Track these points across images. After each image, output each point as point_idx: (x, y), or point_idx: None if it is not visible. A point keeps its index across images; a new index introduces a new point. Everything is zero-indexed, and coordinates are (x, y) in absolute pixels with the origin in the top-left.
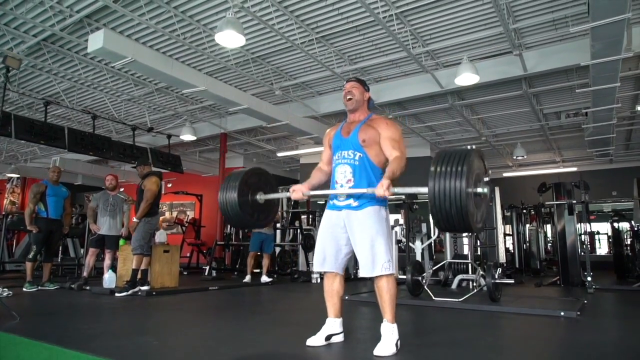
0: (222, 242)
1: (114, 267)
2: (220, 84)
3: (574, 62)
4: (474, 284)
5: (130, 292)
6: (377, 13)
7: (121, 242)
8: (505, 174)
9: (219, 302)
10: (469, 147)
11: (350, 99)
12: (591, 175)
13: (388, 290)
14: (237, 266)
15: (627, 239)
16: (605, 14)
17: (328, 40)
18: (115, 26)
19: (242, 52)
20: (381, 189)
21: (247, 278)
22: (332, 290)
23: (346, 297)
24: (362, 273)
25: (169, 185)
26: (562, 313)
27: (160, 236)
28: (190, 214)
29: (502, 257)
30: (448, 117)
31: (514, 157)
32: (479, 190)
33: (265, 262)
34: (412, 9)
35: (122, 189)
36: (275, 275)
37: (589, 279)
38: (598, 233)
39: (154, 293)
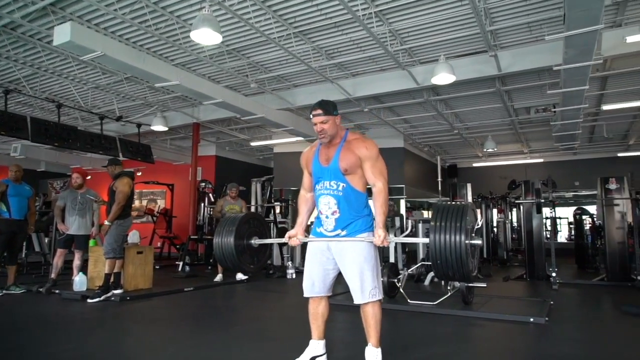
0: (196, 237)
1: (84, 269)
2: (194, 78)
3: (546, 63)
4: (449, 287)
5: (103, 297)
6: (356, 11)
7: (91, 242)
8: (475, 164)
9: (195, 308)
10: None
11: (323, 136)
12: (556, 166)
13: (374, 316)
14: (210, 260)
15: (587, 232)
16: (579, 24)
17: (306, 35)
18: (82, 15)
19: (218, 45)
20: (379, 240)
21: (218, 277)
22: (317, 314)
23: None
24: (355, 300)
25: (139, 173)
26: (532, 319)
27: (133, 237)
28: (161, 203)
29: None
30: (423, 111)
31: (485, 150)
32: (475, 242)
33: None
34: (392, 8)
35: (88, 190)
36: None
37: (554, 274)
38: (559, 218)
39: (128, 298)
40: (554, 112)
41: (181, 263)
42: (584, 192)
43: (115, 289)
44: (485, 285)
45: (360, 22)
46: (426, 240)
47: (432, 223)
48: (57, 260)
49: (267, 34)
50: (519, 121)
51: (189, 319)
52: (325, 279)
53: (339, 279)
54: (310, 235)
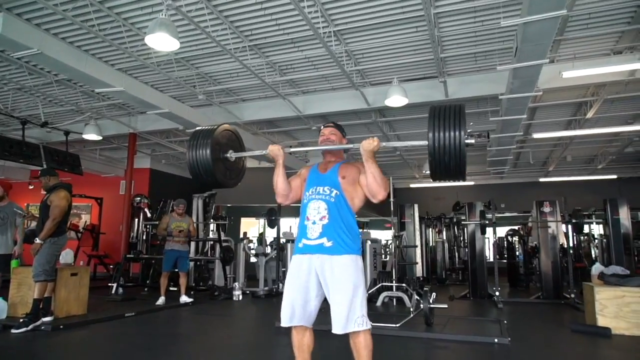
0: (132, 256)
1: (3, 294)
2: (139, 85)
3: (488, 92)
4: (411, 308)
5: (30, 326)
6: (318, 28)
7: (13, 263)
8: (412, 185)
9: (140, 336)
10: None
11: (328, 143)
12: (485, 189)
13: (366, 347)
14: (147, 281)
15: (518, 251)
16: (528, 57)
17: (261, 49)
18: (14, 7)
19: (167, 52)
20: (370, 140)
21: (161, 300)
22: (303, 345)
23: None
24: (334, 329)
25: None
26: (496, 340)
27: (66, 256)
28: (86, 218)
29: (420, 272)
30: (367, 132)
31: (423, 172)
32: (471, 141)
33: (183, 281)
34: (350, 29)
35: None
36: (192, 292)
37: (497, 293)
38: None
39: (61, 327)
40: (489, 140)
41: (115, 285)
42: (514, 214)
43: (45, 316)
44: (447, 307)
45: (321, 40)
46: (421, 142)
47: (430, 121)
48: None
49: (223, 45)
50: None
51: (134, 350)
52: (306, 305)
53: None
54: (293, 255)
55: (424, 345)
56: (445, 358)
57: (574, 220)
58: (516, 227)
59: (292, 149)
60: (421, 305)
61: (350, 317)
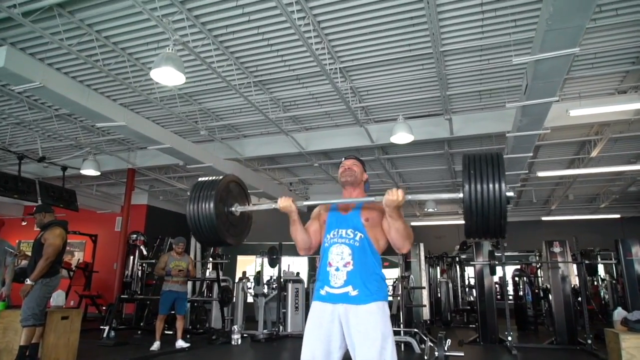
0: (126, 296)
1: None
2: (141, 120)
3: (494, 130)
4: (425, 356)
5: None
6: (325, 65)
7: (0, 305)
8: (413, 223)
9: None
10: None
11: (348, 174)
12: None
13: None
14: (141, 324)
15: (526, 293)
16: (538, 95)
17: (265, 85)
18: (18, 40)
19: (170, 88)
20: (394, 194)
21: (156, 345)
22: None
23: None
24: None
25: None
26: None
27: (58, 298)
28: (79, 256)
29: (427, 314)
30: (369, 169)
31: (425, 209)
32: (511, 194)
33: (180, 324)
34: (356, 66)
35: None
36: (189, 336)
37: (510, 338)
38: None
39: None
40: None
41: (107, 328)
42: (515, 253)
43: None
44: (463, 354)
45: (328, 76)
46: (452, 195)
47: (465, 172)
48: None
49: (228, 80)
50: (457, 183)
51: None
52: (328, 357)
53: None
54: (313, 302)
55: None
56: None
57: (586, 262)
58: (518, 267)
59: (306, 203)
60: (436, 354)
61: None
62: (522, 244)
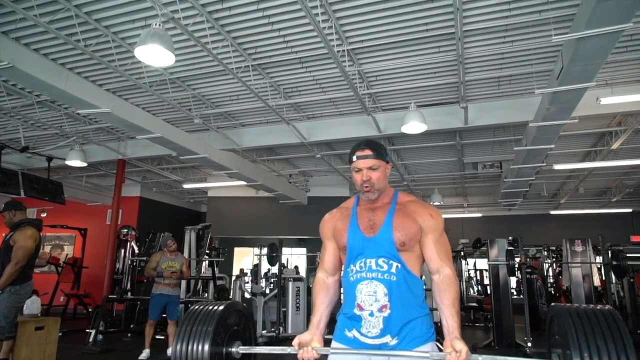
0: (114, 297)
1: None
2: (129, 107)
3: (512, 119)
4: None
5: None
6: (333, 46)
7: None
8: None
9: None
10: (607, 306)
11: (368, 189)
12: (492, 221)
13: None
14: (131, 325)
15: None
16: (574, 80)
17: (265, 69)
18: None
19: (160, 71)
20: (456, 358)
21: (145, 354)
22: None
23: None
24: None
25: (44, 214)
26: None
27: (32, 305)
28: (69, 250)
29: (435, 317)
30: None
31: (431, 203)
32: None
33: (172, 330)
34: (366, 48)
35: None
36: None
37: (529, 344)
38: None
39: None
40: (501, 166)
41: (93, 332)
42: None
43: None
44: None
45: (336, 59)
46: None
47: (571, 339)
48: None
49: (225, 63)
50: (466, 176)
51: None
52: None
53: None
54: (335, 343)
55: None
56: None
57: (614, 262)
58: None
59: (333, 349)
60: None
61: None
62: (530, 238)
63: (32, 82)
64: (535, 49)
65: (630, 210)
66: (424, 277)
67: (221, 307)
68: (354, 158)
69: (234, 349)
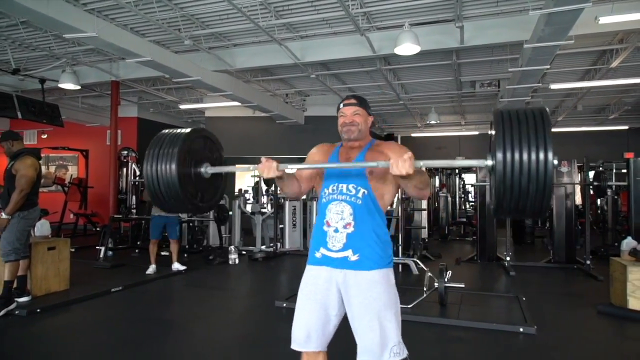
0: (120, 216)
1: None
2: (115, 29)
3: (509, 39)
4: (424, 287)
5: (2, 312)
6: None
7: None
8: (414, 134)
9: (127, 321)
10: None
11: (351, 128)
12: (487, 138)
13: None
14: (138, 242)
15: None
16: (568, 1)
17: None
18: None
19: None
20: (399, 166)
21: (151, 269)
22: None
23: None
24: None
25: (44, 136)
26: (521, 329)
27: (42, 228)
28: (73, 170)
29: (425, 234)
30: (370, 80)
31: (428, 121)
32: (556, 162)
33: (174, 248)
34: None
35: None
36: (185, 255)
37: (508, 259)
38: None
39: (38, 310)
40: (498, 85)
41: (103, 249)
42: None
43: (21, 296)
44: (463, 286)
45: None
46: (479, 162)
47: (499, 134)
48: None
49: None
50: (463, 95)
51: (120, 339)
52: (324, 327)
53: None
54: (308, 266)
55: (434, 334)
56: (458, 353)
57: (595, 183)
58: None
59: (291, 167)
60: (435, 284)
61: (385, 346)
62: None
63: (9, 5)
64: None
65: (626, 127)
66: (394, 206)
67: (186, 132)
68: (341, 105)
69: (202, 169)
